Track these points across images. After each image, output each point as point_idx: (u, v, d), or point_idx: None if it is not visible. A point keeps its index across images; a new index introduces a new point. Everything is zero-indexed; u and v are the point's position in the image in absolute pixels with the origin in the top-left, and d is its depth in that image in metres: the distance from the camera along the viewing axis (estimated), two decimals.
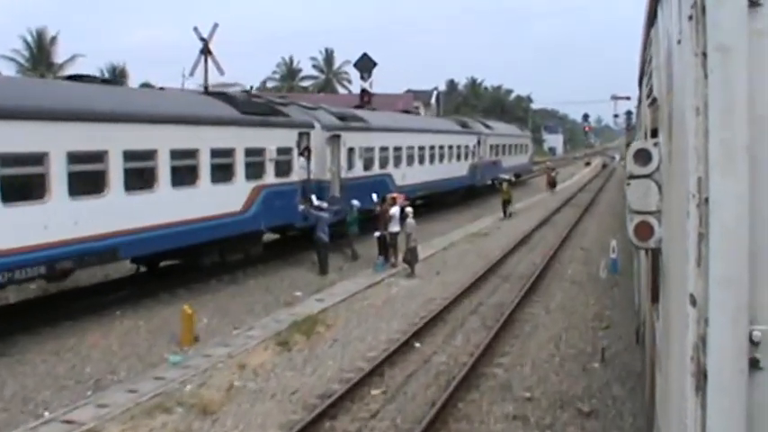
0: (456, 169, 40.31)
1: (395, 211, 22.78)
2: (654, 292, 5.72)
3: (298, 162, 22.84)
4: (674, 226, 3.49)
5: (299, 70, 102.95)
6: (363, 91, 49.75)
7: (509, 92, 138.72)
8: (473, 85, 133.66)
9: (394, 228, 22.55)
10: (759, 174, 2.56)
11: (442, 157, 38.26)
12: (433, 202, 38.34)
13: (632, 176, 4.37)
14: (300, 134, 23.16)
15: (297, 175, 22.76)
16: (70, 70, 54.70)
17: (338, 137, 25.73)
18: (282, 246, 25.30)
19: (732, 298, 2.55)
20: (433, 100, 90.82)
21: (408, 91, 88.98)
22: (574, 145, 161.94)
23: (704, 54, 2.59)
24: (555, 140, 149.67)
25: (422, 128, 37.28)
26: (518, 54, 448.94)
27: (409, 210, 22.56)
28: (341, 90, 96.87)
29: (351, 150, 26.85)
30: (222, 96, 22.04)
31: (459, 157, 41.12)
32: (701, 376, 2.61)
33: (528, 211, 40.70)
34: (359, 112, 30.55)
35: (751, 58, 2.53)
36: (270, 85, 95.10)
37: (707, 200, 2.59)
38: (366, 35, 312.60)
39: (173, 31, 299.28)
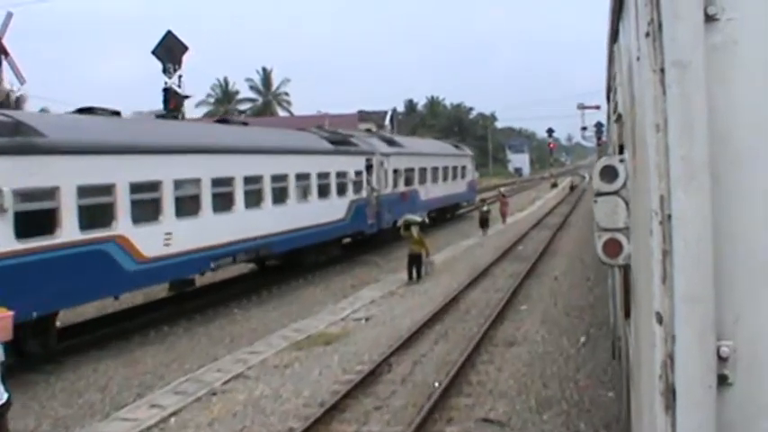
0: (322, 211, 27.19)
1: None
2: (626, 308, 5.97)
3: None
4: (640, 243, 3.69)
5: (236, 92, 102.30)
6: (167, 91, 34.52)
7: (470, 110, 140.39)
8: (431, 103, 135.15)
9: None
10: (720, 190, 2.74)
11: (282, 196, 24.70)
12: (295, 264, 27.24)
13: (599, 194, 4.62)
14: None
15: None
16: None
17: None
18: None
19: (698, 314, 2.72)
20: (387, 121, 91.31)
21: (360, 111, 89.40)
22: (543, 164, 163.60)
23: (662, 70, 2.78)
24: (520, 160, 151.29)
25: (214, 147, 21.62)
26: (485, 75, 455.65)
27: None
28: (281, 113, 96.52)
29: None
30: None
31: (325, 192, 27.79)
32: (670, 394, 2.78)
33: (442, 271, 27.19)
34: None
35: (709, 72, 2.72)
36: (204, 110, 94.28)
37: (669, 216, 2.76)
38: (321, 56, 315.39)
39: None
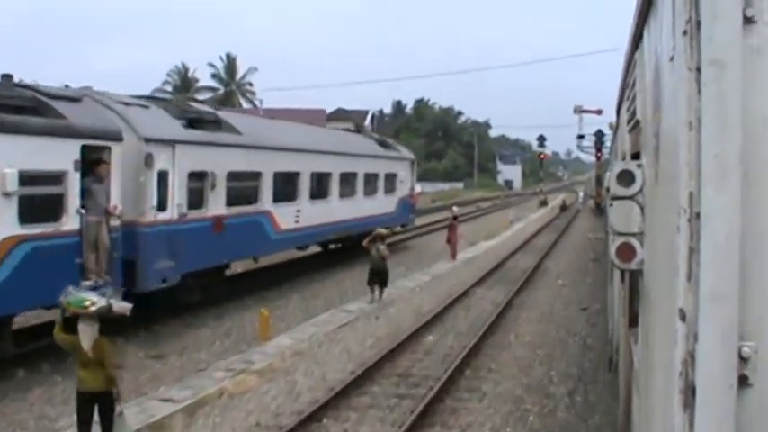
0: None
1: None
2: (631, 316, 6.27)
3: None
4: (661, 244, 3.93)
5: (196, 80, 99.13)
6: None
7: (458, 114, 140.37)
8: (419, 105, 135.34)
9: None
10: (750, 189, 2.97)
11: None
12: None
13: (615, 197, 4.92)
14: None
15: None
16: None
17: None
18: None
19: (722, 313, 2.93)
20: (368, 121, 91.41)
21: (338, 109, 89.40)
22: (537, 178, 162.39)
23: (698, 69, 3.01)
24: (512, 172, 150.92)
25: None
26: (484, 82, 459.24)
27: None
28: (245, 104, 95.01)
29: None
30: None
31: None
32: (690, 392, 2.99)
33: (218, 411, 12.88)
34: None
35: (745, 73, 2.95)
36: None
37: (698, 214, 2.99)
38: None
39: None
